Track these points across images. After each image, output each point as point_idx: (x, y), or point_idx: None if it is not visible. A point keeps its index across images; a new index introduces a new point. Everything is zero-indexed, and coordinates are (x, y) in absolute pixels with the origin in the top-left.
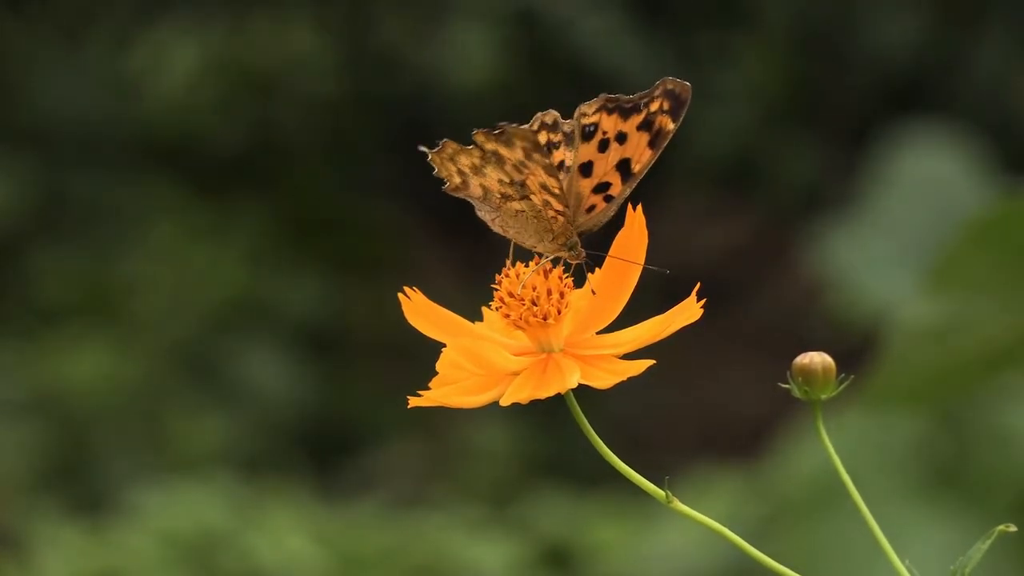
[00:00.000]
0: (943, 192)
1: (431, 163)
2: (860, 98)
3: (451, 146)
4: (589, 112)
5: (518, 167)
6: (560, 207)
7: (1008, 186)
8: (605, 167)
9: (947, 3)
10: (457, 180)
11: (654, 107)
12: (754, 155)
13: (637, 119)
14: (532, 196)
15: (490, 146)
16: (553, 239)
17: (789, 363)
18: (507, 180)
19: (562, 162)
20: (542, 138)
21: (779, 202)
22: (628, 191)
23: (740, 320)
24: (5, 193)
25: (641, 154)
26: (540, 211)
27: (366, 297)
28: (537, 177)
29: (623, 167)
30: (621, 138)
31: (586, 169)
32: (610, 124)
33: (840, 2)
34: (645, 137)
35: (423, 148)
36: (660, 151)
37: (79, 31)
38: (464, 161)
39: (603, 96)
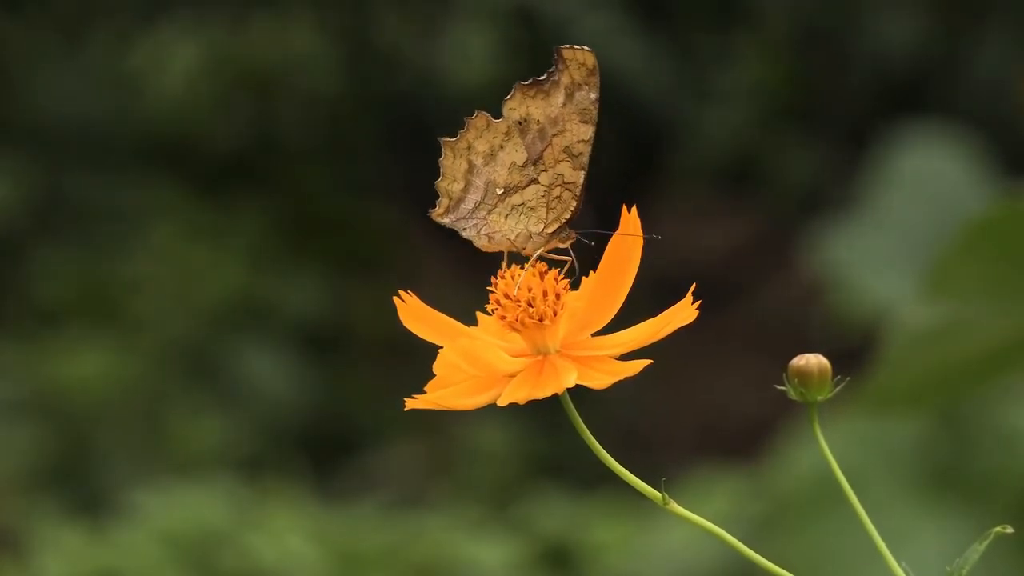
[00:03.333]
0: (943, 192)
1: (441, 163)
2: (860, 98)
3: (480, 121)
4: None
5: (544, 131)
6: (573, 176)
7: (1007, 187)
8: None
9: (947, 3)
10: (459, 187)
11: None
12: (754, 155)
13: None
14: (543, 175)
15: (521, 111)
16: (544, 229)
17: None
18: (521, 161)
19: (540, 154)
20: (482, 145)
21: (779, 202)
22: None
23: (740, 320)
24: (5, 193)
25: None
26: (544, 193)
27: (366, 297)
28: (564, 136)
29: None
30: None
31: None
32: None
33: (840, 2)
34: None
35: (442, 139)
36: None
37: (79, 31)
38: (483, 146)
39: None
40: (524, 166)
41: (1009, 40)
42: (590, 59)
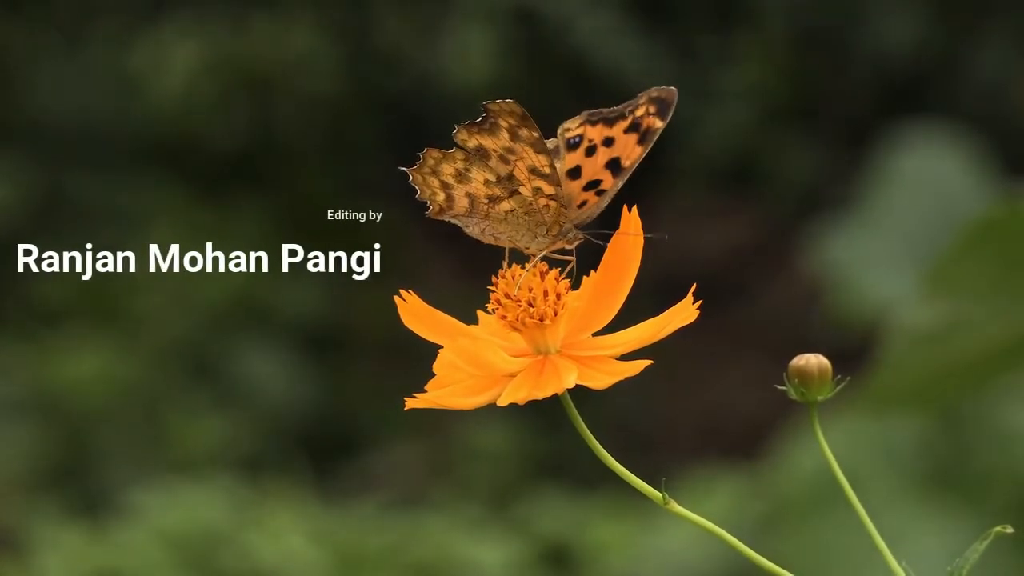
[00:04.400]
0: (943, 192)
1: (413, 184)
2: (860, 98)
3: (433, 154)
4: (573, 127)
5: (504, 156)
6: (551, 190)
7: (1007, 188)
8: (594, 168)
9: (948, 3)
10: (441, 197)
11: (640, 112)
12: (754, 155)
13: (623, 124)
14: (521, 188)
15: (472, 142)
16: (547, 231)
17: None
18: (493, 179)
19: (509, 172)
20: (447, 169)
21: (779, 202)
22: (620, 184)
23: (740, 320)
24: (5, 193)
25: (630, 152)
26: (531, 203)
27: (366, 297)
28: (525, 161)
29: (613, 165)
30: (608, 142)
31: (574, 172)
32: (595, 133)
33: (840, 2)
34: (633, 137)
35: (404, 168)
36: (649, 146)
37: (79, 31)
38: (447, 170)
39: (585, 112)
40: (499, 181)
41: (1009, 40)
42: (517, 108)
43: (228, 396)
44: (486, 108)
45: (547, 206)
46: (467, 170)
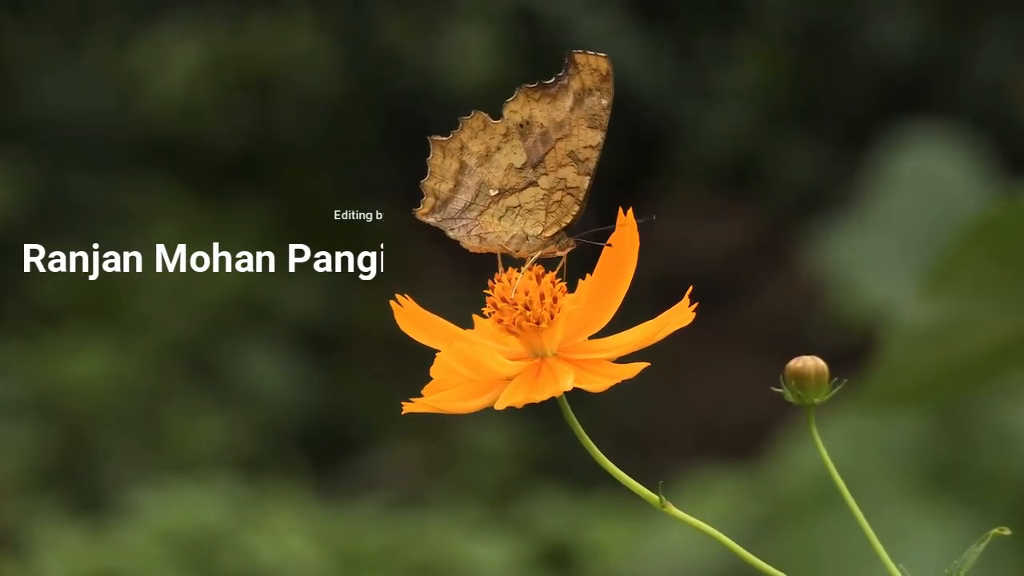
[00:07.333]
0: (943, 192)
1: (430, 163)
2: (860, 98)
3: (475, 122)
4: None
5: (547, 135)
6: (577, 181)
7: (1007, 187)
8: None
9: (948, 3)
10: (447, 187)
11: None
12: (754, 155)
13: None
14: (543, 179)
15: (524, 112)
16: (542, 232)
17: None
18: (519, 164)
19: (541, 157)
20: (477, 146)
21: (779, 202)
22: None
23: (739, 320)
24: (5, 193)
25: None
26: (544, 196)
27: (366, 297)
28: (571, 140)
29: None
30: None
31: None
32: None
33: (841, 2)
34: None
35: (431, 138)
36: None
37: (79, 31)
38: (478, 146)
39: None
40: (523, 168)
41: (1009, 40)
42: (604, 65)
43: (228, 396)
44: (571, 58)
45: (559, 202)
46: (498, 149)
